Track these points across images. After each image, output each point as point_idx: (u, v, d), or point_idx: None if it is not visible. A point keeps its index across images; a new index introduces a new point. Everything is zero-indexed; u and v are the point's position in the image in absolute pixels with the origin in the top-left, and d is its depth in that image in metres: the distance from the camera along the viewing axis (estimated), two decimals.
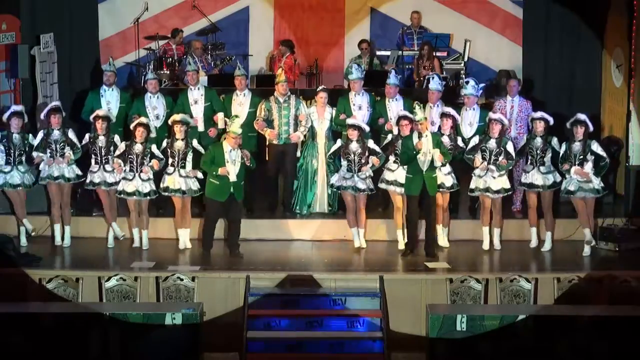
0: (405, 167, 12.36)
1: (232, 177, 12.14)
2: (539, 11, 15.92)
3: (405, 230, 12.62)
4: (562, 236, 12.95)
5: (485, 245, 12.72)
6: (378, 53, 16.22)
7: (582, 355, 9.85)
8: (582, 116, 12.53)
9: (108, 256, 12.50)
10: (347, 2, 16.75)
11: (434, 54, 15.56)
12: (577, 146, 12.43)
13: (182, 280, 11.00)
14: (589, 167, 12.41)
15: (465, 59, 15.91)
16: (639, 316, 9.98)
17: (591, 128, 12.50)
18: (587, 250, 12.49)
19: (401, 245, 12.65)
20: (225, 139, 12.36)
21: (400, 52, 15.93)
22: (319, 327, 11.07)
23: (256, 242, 13.01)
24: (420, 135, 12.19)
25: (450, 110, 12.90)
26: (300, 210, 13.47)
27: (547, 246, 12.68)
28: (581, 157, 12.40)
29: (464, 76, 15.43)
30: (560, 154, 12.52)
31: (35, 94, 14.81)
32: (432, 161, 12.17)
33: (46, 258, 12.16)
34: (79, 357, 9.86)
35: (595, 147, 12.44)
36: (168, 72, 15.57)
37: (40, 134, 12.80)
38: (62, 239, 12.83)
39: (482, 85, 14.07)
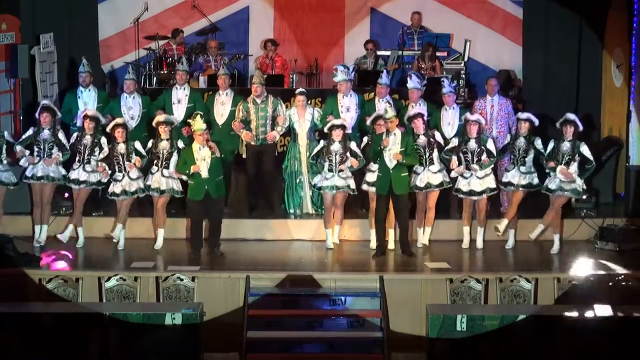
0: (377, 166, 12.34)
1: (204, 174, 12.17)
2: (539, 11, 15.90)
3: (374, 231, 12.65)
4: (562, 236, 12.93)
5: (465, 244, 12.68)
6: (378, 53, 16.22)
7: (582, 355, 9.84)
8: (571, 116, 12.48)
9: (108, 256, 12.48)
10: (347, 2, 16.75)
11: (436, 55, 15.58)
12: (565, 146, 12.38)
13: (182, 280, 11.01)
14: (573, 167, 12.39)
15: (465, 59, 15.89)
16: (639, 316, 9.98)
17: (581, 128, 12.45)
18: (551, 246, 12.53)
19: (372, 245, 12.65)
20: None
21: (401, 52, 15.92)
22: (319, 327, 11.07)
23: (256, 242, 13.02)
24: (388, 133, 12.17)
25: (415, 110, 12.76)
26: (293, 211, 13.48)
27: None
28: (569, 157, 12.36)
29: (464, 76, 15.43)
30: (547, 152, 12.47)
31: (35, 94, 14.81)
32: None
33: None
34: (79, 357, 9.86)
35: (584, 149, 12.37)
36: (168, 72, 15.56)
37: (30, 131, 12.74)
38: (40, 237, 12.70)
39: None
